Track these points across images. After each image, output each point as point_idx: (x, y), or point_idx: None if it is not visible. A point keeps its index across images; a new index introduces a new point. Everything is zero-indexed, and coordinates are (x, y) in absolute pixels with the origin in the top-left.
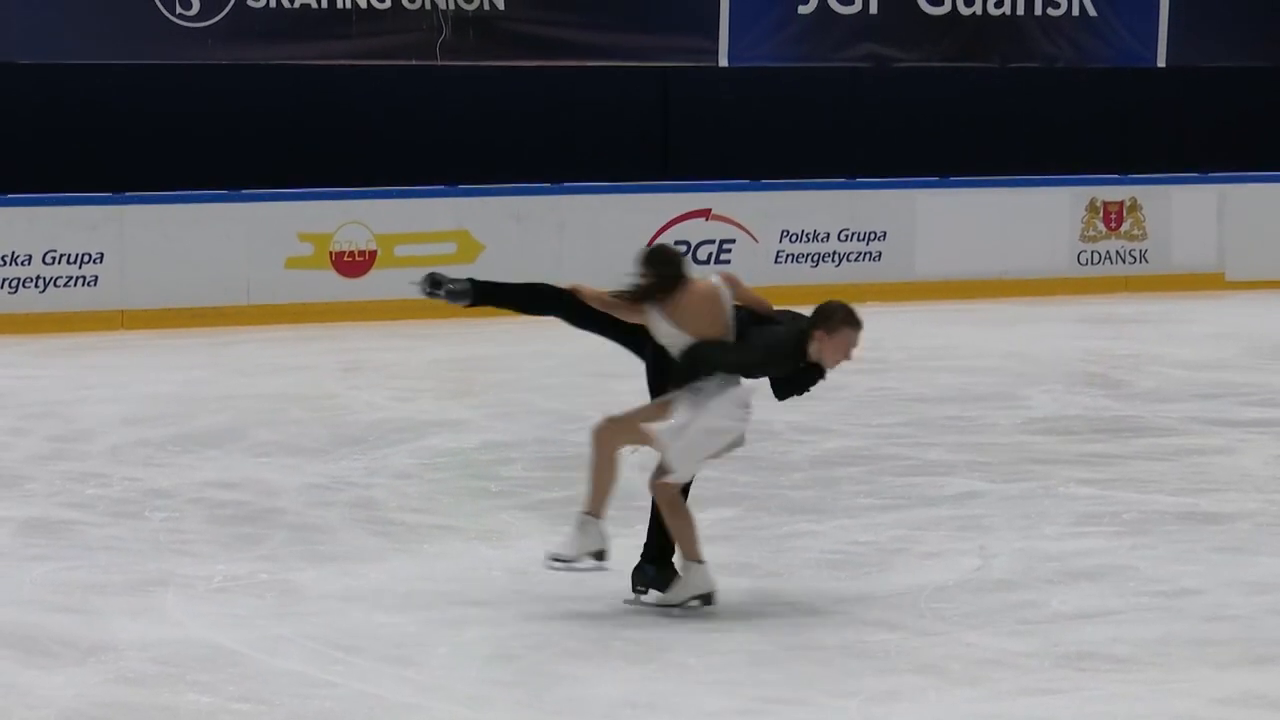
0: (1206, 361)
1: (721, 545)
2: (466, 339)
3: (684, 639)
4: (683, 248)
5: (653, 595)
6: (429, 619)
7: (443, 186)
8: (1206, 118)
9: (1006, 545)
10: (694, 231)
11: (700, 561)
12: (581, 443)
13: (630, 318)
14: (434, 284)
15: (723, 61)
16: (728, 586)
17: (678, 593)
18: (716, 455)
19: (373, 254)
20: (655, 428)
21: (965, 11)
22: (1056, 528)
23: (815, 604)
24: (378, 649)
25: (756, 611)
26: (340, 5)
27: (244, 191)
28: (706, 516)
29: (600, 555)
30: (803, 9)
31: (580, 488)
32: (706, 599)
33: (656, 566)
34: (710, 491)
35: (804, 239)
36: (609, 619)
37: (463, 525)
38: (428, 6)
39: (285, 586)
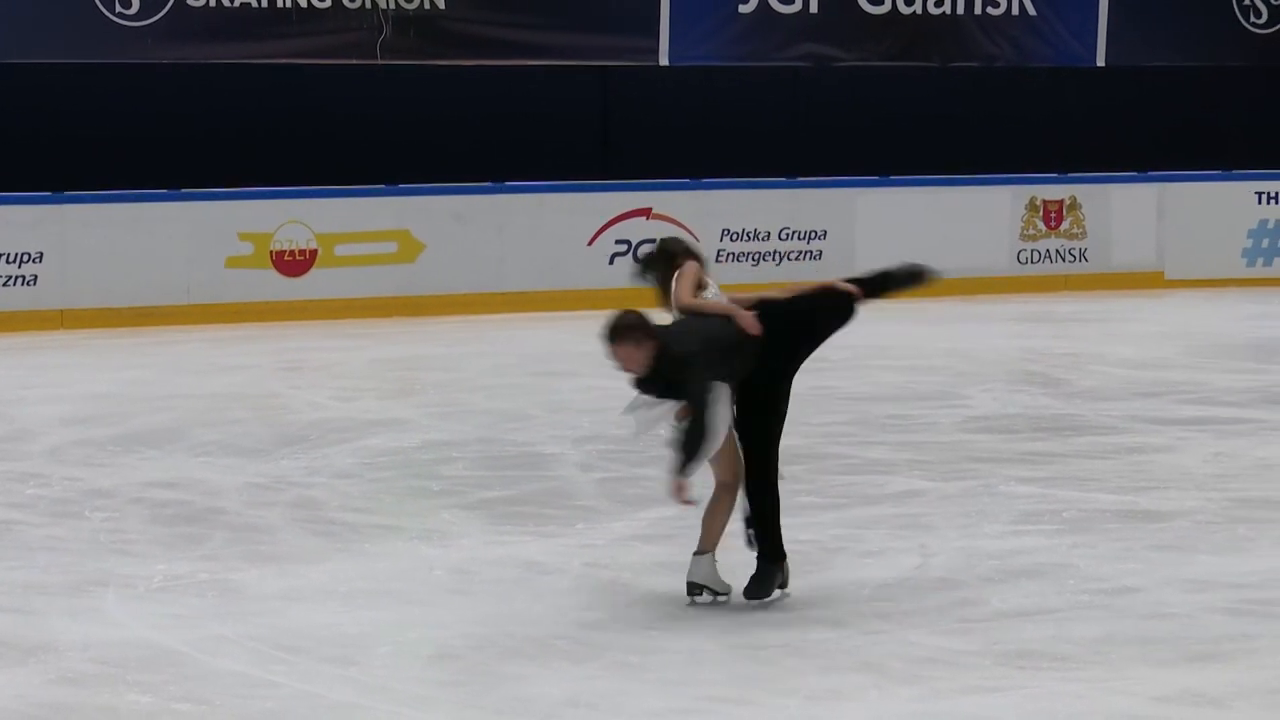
0: (1146, 360)
1: (663, 544)
2: (408, 338)
3: (626, 638)
4: (623, 247)
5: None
6: (371, 619)
7: (384, 186)
8: (1146, 117)
9: (947, 544)
10: (635, 230)
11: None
12: (524, 442)
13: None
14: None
15: (663, 61)
16: (670, 585)
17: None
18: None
19: (313, 253)
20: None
21: (905, 11)
22: (997, 526)
23: (758, 603)
24: (319, 649)
25: (698, 610)
26: (280, 4)
27: (184, 191)
28: (647, 516)
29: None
30: (743, 8)
31: (522, 486)
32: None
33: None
34: (651, 491)
35: (745, 238)
36: (551, 618)
37: (404, 525)
38: (368, 6)
39: (226, 586)
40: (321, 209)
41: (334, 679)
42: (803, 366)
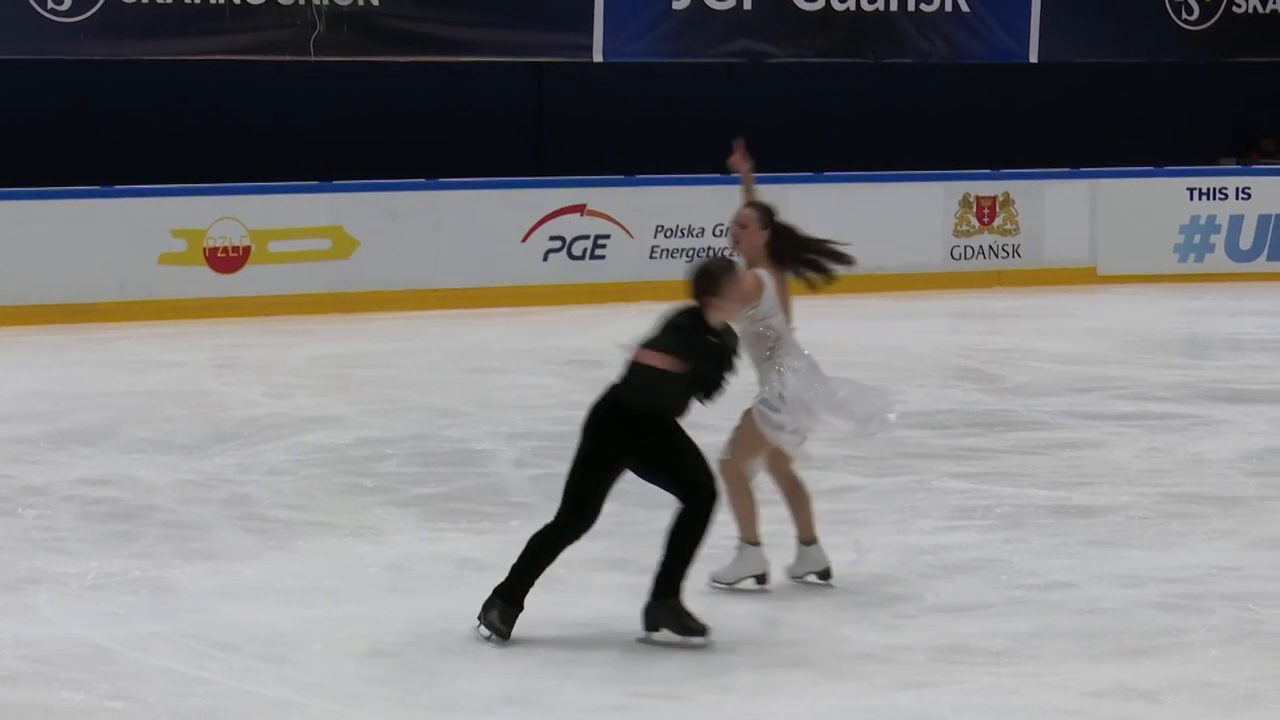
0: (1079, 356)
1: (598, 541)
2: (343, 335)
3: (561, 635)
4: (557, 243)
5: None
6: (305, 616)
7: (317, 183)
8: (1079, 113)
9: (881, 539)
10: (569, 227)
11: (756, 543)
12: (458, 438)
13: None
14: None
15: (597, 57)
16: (605, 582)
17: (732, 570)
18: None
19: (247, 250)
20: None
21: (839, 7)
22: (930, 522)
23: (693, 599)
24: (253, 646)
25: (633, 607)
26: (214, 1)
27: (117, 188)
28: None
29: (762, 579)
30: (677, 5)
31: (456, 483)
32: (761, 579)
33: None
34: None
35: (679, 234)
36: None
37: (338, 522)
38: (302, 2)
39: (160, 584)
40: (255, 206)
41: (268, 676)
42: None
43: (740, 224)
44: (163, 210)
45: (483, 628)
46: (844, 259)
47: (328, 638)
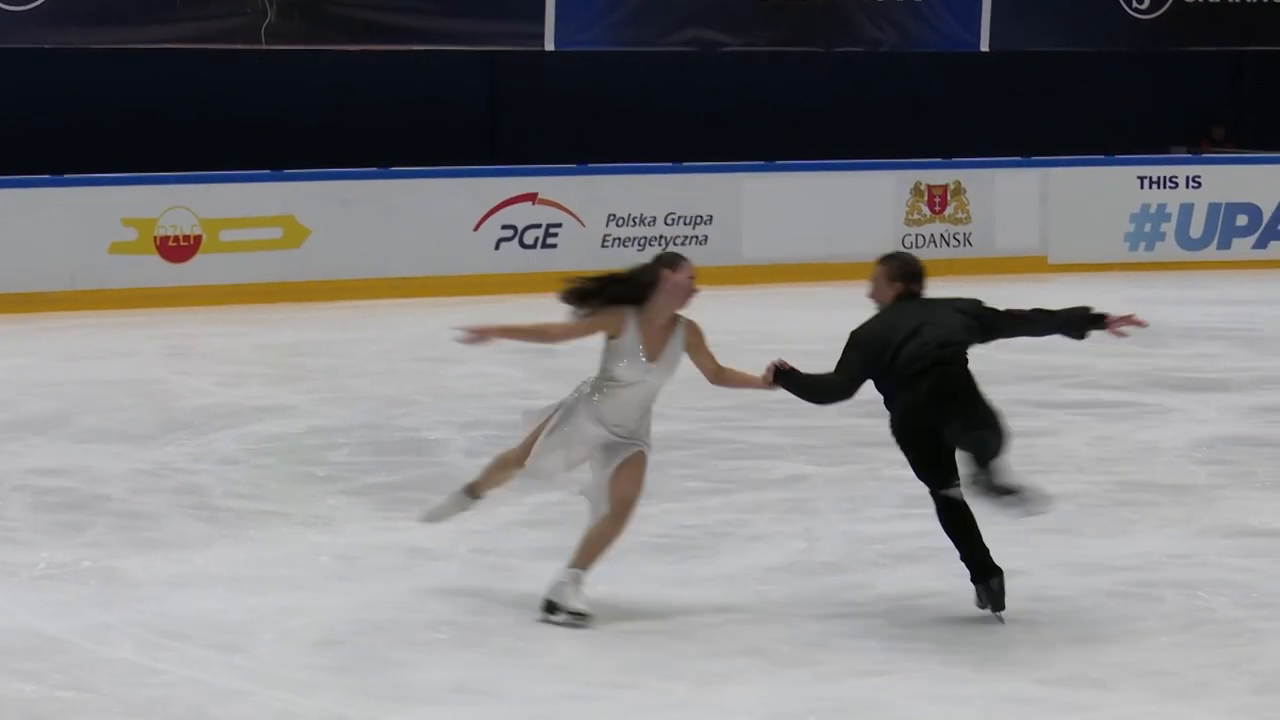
0: (1030, 344)
1: (548, 530)
2: (294, 324)
3: (512, 625)
4: (509, 232)
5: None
6: (256, 605)
7: (269, 171)
8: (1029, 102)
9: (832, 528)
10: (521, 216)
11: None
12: (409, 427)
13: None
14: None
15: (549, 46)
16: (553, 572)
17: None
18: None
19: (198, 239)
20: None
21: None
22: (881, 510)
23: (643, 588)
24: (204, 635)
25: (585, 596)
26: None
27: (67, 176)
28: (532, 501)
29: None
30: None
31: (408, 472)
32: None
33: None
34: None
35: (630, 223)
36: (437, 604)
37: (290, 511)
38: None
39: (111, 574)
40: (206, 195)
41: (219, 665)
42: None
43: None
44: (113, 199)
45: None
46: None
47: (279, 627)
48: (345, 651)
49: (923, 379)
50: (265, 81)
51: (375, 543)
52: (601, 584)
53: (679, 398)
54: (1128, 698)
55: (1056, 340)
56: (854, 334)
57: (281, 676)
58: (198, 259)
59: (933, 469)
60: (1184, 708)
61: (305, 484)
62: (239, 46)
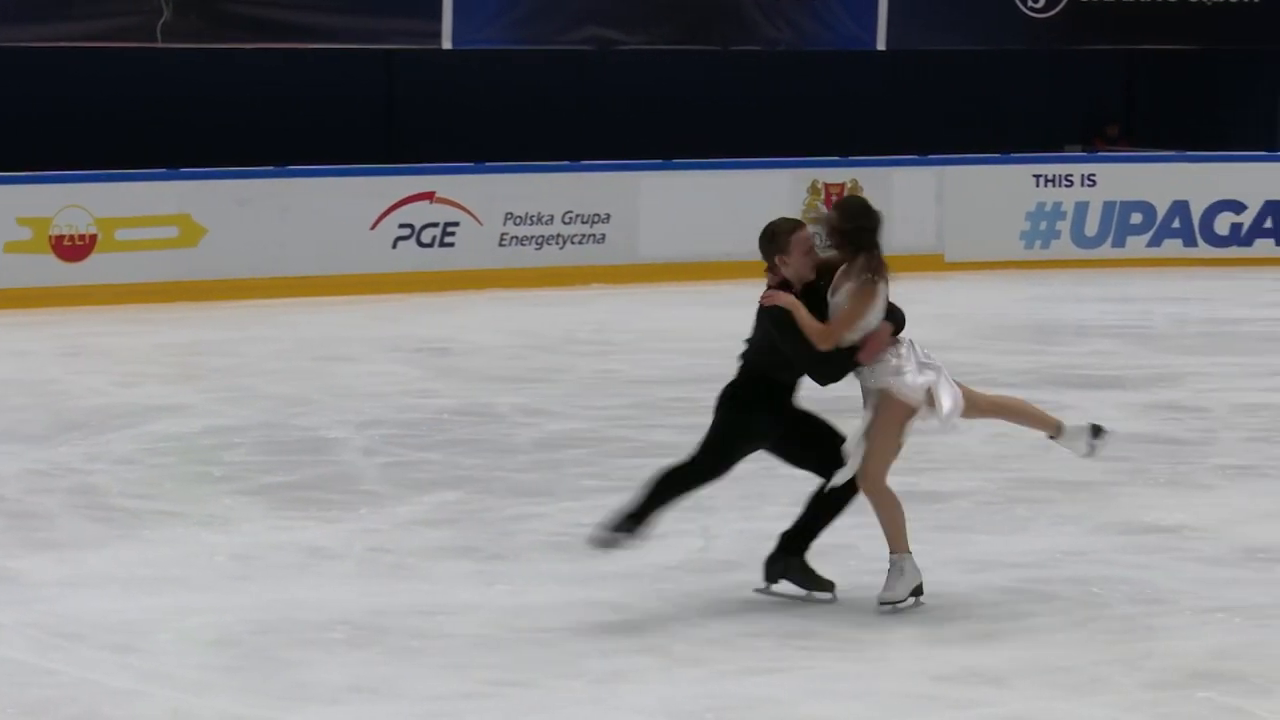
0: (927, 342)
1: (446, 528)
2: (191, 323)
3: (408, 623)
4: (406, 230)
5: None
6: (151, 605)
7: (165, 170)
8: (925, 100)
9: (729, 526)
10: (418, 214)
11: (909, 552)
12: (307, 427)
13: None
14: None
15: (446, 44)
16: (452, 569)
17: (899, 588)
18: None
19: (93, 238)
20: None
21: None
22: (778, 508)
23: (541, 586)
24: (99, 636)
25: (482, 595)
26: None
27: None
28: (430, 500)
29: (919, 590)
30: None
31: (305, 471)
32: (918, 590)
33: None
34: (434, 475)
35: (528, 221)
36: (334, 603)
37: (186, 511)
38: None
39: (4, 574)
40: (102, 193)
41: (114, 666)
42: (585, 349)
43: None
44: (8, 198)
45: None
46: None
47: (175, 627)
48: (241, 651)
49: None
50: (161, 80)
51: (272, 542)
52: (498, 582)
53: (577, 396)
54: (1022, 694)
55: (953, 337)
56: None
57: (177, 676)
58: (93, 258)
59: None
60: (1078, 704)
61: (201, 483)
62: (135, 45)
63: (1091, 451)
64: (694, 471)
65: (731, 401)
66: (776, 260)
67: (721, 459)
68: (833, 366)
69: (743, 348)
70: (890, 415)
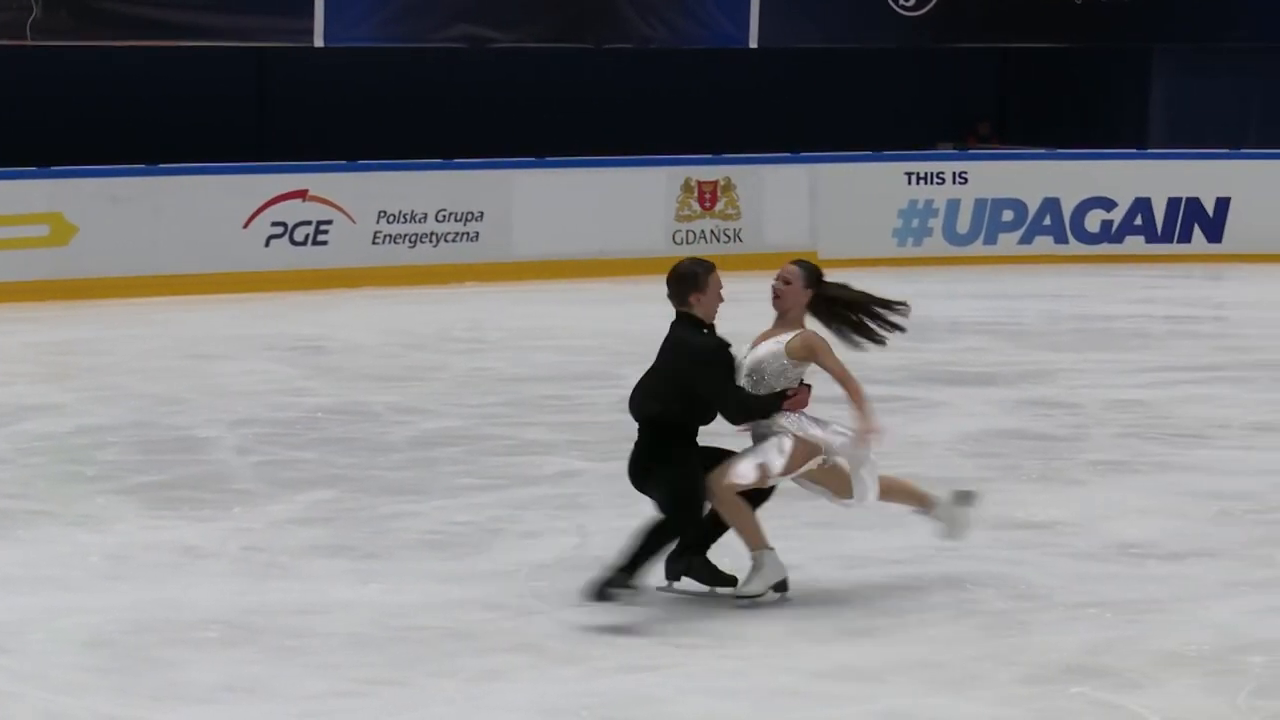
0: None
1: (320, 527)
2: (61, 322)
3: (282, 622)
4: (279, 229)
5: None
6: (24, 605)
7: (35, 168)
8: (798, 98)
9: (605, 524)
10: (291, 213)
11: (770, 548)
12: (179, 425)
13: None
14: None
15: (319, 42)
16: (326, 568)
17: (756, 583)
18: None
19: None
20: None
21: None
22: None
23: (415, 585)
24: None
25: (356, 593)
26: None
27: None
28: (304, 499)
29: (782, 586)
30: None
31: (178, 470)
32: (781, 586)
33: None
34: (308, 474)
35: (401, 219)
36: (208, 603)
37: (58, 510)
38: None
39: None
40: None
41: None
42: (459, 347)
43: (784, 280)
44: None
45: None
46: (896, 326)
47: (48, 627)
48: (114, 651)
49: None
50: (31, 77)
51: (145, 542)
52: (372, 581)
53: (451, 394)
54: (897, 689)
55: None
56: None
57: (51, 677)
58: None
59: None
60: (953, 699)
61: (74, 483)
62: (4, 42)
63: (968, 520)
64: (676, 526)
65: (666, 460)
66: (691, 299)
67: (697, 507)
68: (754, 412)
69: (629, 399)
70: (795, 455)
